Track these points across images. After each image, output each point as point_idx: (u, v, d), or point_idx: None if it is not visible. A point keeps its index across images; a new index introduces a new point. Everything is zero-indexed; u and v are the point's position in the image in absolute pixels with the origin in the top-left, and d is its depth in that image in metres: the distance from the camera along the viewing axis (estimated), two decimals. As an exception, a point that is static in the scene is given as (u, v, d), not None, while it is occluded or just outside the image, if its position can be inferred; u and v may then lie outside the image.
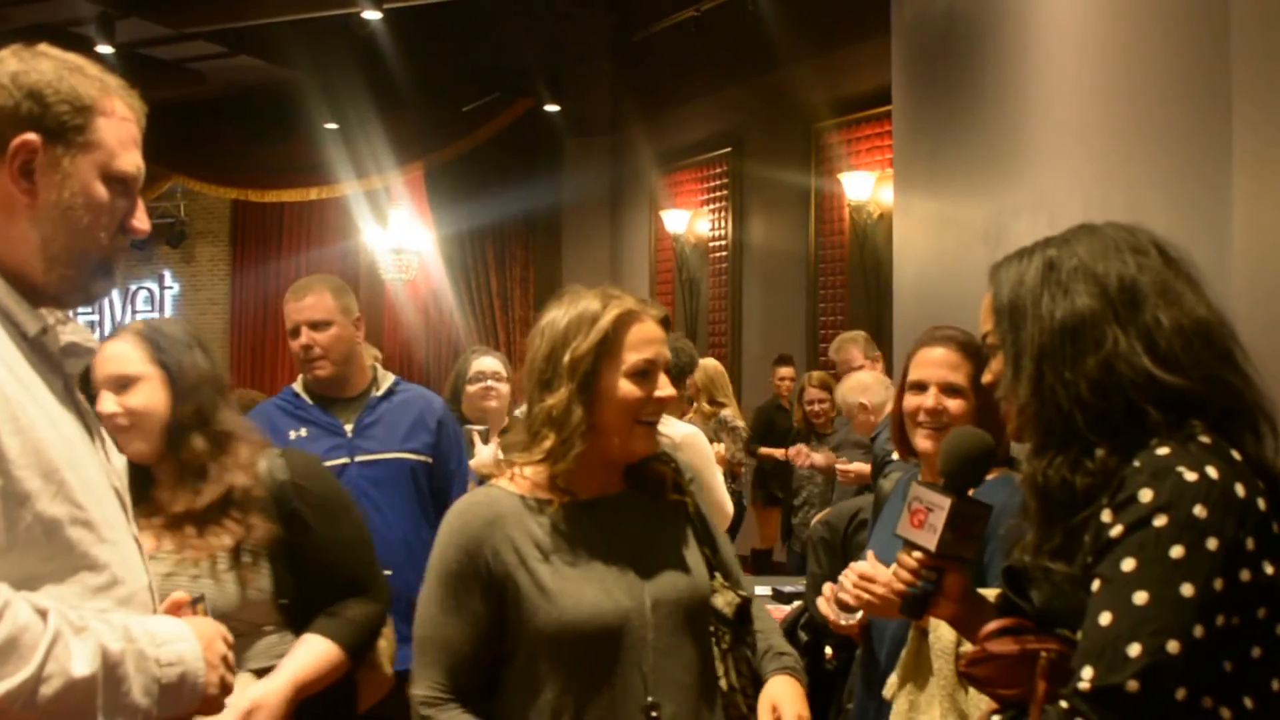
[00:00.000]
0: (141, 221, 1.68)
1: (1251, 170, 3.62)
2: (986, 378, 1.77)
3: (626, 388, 2.08)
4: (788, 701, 2.08)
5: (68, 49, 1.65)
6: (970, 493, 1.85)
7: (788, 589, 4.38)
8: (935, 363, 2.55)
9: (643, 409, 2.10)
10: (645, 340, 2.12)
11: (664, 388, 2.12)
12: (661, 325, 2.17)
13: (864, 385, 5.55)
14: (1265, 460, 1.54)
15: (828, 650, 3.36)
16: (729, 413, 7.53)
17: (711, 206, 11.30)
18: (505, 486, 2.14)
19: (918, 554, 1.84)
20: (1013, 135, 5.75)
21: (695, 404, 7.22)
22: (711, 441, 4.87)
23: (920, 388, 2.55)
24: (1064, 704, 1.46)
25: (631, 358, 2.10)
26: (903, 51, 7.16)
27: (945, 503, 1.80)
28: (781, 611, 3.73)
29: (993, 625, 1.60)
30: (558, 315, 2.14)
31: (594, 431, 2.09)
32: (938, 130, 6.64)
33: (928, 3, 6.79)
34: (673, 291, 11.67)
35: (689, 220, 11.42)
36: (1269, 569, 1.46)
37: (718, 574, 2.22)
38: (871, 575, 2.24)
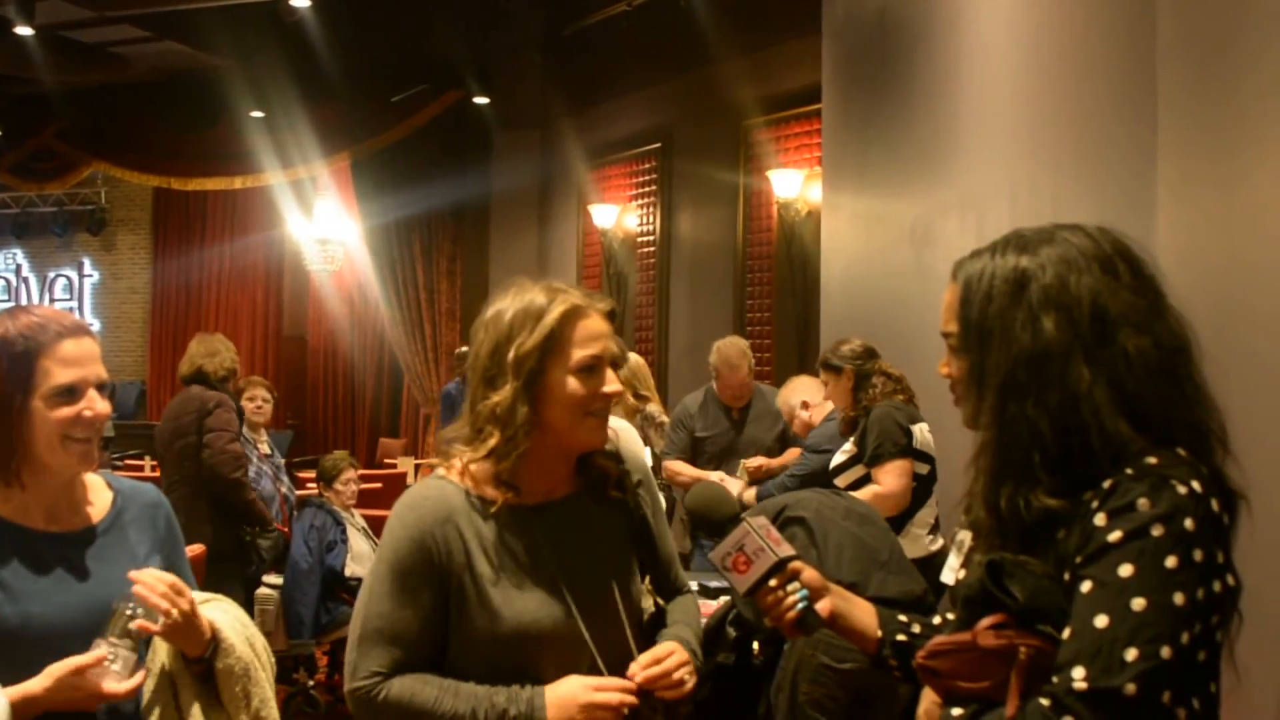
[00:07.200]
0: None
1: (1176, 170, 3.68)
2: (943, 371, 1.79)
3: (573, 384, 2.06)
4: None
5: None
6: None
7: (714, 584, 4.36)
8: None
9: (590, 405, 2.08)
10: (592, 336, 2.09)
11: (611, 383, 2.10)
12: (608, 319, 2.14)
13: (808, 386, 5.54)
14: (1225, 475, 1.60)
15: (755, 645, 3.36)
16: (654, 408, 7.51)
17: (640, 201, 11.29)
18: (453, 480, 2.11)
19: (771, 579, 1.90)
20: (941, 135, 5.81)
21: (619, 398, 7.17)
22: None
23: None
24: (1045, 701, 1.48)
25: (578, 354, 2.07)
26: (833, 51, 7.21)
27: (745, 532, 1.93)
28: (709, 607, 3.72)
29: (988, 620, 1.61)
30: (503, 309, 2.09)
31: (540, 429, 2.07)
32: (867, 129, 6.69)
33: (859, 3, 6.84)
34: (600, 286, 11.63)
35: (617, 215, 11.40)
36: (1230, 580, 1.54)
37: (647, 577, 2.22)
38: None
